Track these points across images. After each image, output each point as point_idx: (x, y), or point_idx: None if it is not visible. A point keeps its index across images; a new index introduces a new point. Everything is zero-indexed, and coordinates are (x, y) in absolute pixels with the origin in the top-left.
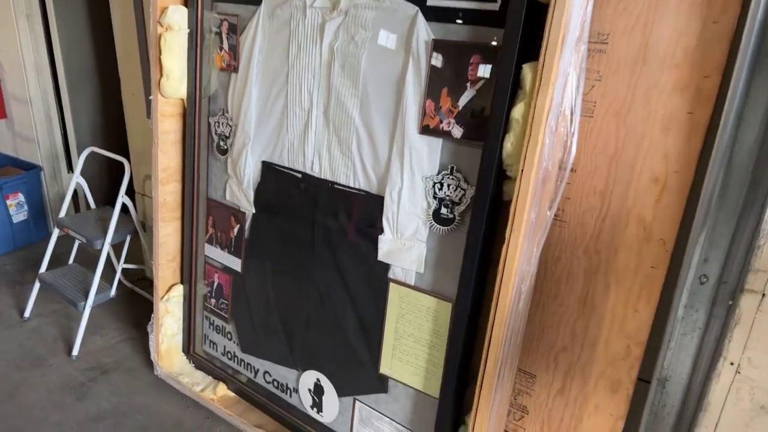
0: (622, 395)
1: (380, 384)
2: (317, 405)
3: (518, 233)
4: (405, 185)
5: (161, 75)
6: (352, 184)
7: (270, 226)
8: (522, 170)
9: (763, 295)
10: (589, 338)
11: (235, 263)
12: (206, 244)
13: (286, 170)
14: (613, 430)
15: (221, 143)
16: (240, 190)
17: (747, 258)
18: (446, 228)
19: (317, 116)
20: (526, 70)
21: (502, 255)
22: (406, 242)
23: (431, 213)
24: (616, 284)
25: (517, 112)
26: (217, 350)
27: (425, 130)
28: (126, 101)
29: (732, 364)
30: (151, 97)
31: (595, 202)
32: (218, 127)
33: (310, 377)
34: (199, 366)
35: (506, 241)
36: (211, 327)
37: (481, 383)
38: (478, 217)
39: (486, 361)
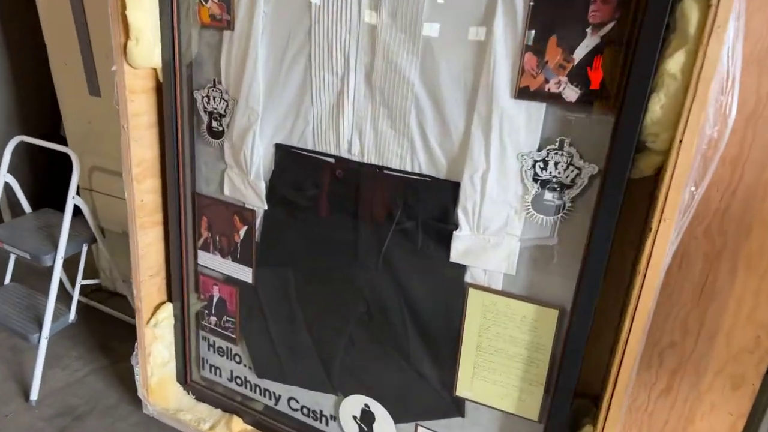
0: (745, 392)
1: (455, 408)
2: None
3: (670, 222)
4: (492, 166)
5: (128, 38)
6: (409, 168)
7: (291, 225)
8: (681, 141)
9: None
10: (706, 331)
11: (244, 273)
12: (200, 252)
13: (311, 155)
14: (732, 429)
15: (214, 124)
16: (245, 182)
17: None
18: (550, 218)
19: (356, 83)
20: (690, 6)
21: (646, 249)
22: (492, 238)
23: (530, 200)
24: (746, 269)
25: (674, 64)
26: (221, 376)
27: (523, 93)
28: (57, 74)
29: None
30: (114, 68)
31: (723, 173)
32: (208, 103)
33: (355, 403)
34: (201, 398)
35: (653, 232)
36: (212, 349)
37: (609, 404)
38: (609, 204)
39: (617, 379)
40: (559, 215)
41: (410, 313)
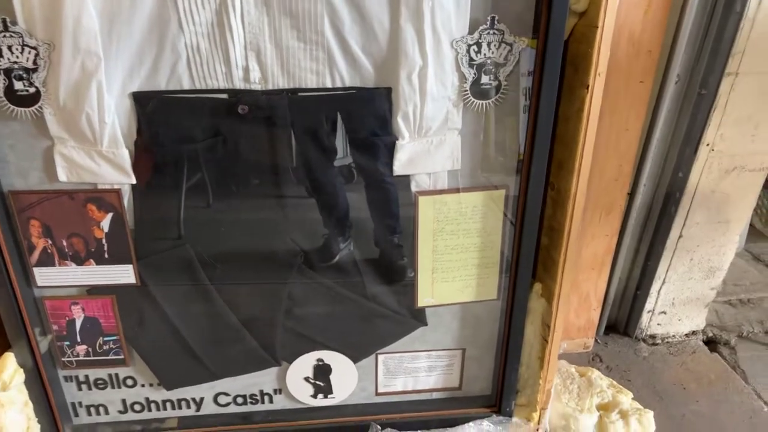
0: (615, 214)
1: (417, 321)
2: (323, 389)
3: (603, 75)
4: (430, 60)
5: None
6: (330, 84)
7: (181, 191)
8: None
9: (737, 74)
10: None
11: (122, 273)
12: (37, 270)
13: (194, 96)
14: (609, 246)
15: (18, 85)
16: (94, 156)
17: (720, 46)
18: (490, 101)
19: None
20: None
21: (585, 106)
22: (434, 138)
23: (468, 87)
24: (610, 113)
25: None
26: (108, 413)
27: None
28: None
29: (707, 145)
30: None
31: None
32: (0, 56)
33: (304, 364)
34: None
35: (590, 87)
36: (85, 386)
37: (564, 257)
38: (551, 69)
39: (569, 233)
40: (497, 96)
41: (356, 247)
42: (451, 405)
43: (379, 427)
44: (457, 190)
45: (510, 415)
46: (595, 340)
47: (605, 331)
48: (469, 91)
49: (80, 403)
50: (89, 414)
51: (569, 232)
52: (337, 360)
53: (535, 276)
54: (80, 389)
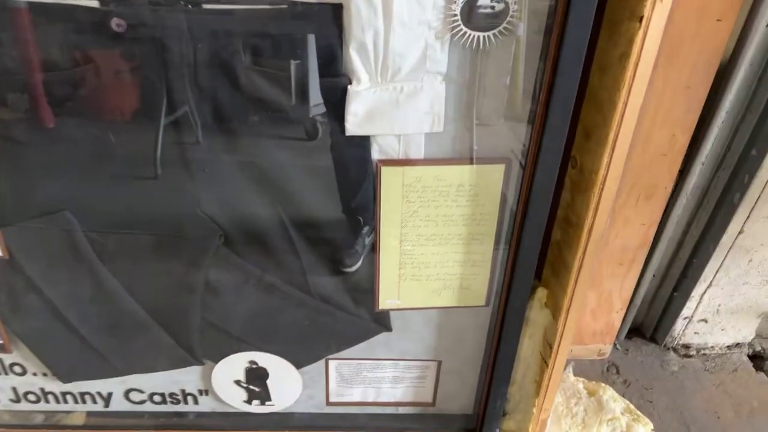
0: (658, 198)
1: (378, 324)
2: (259, 395)
3: (667, 3)
4: None
5: None
6: None
7: (49, 137)
8: None
9: None
10: None
11: None
12: None
13: (51, 2)
14: (644, 238)
15: None
16: None
17: None
18: (490, 33)
19: None
20: None
21: (633, 48)
22: (405, 85)
23: (458, 11)
24: (666, 63)
25: None
26: None
27: None
28: None
29: None
30: None
31: None
32: None
33: (232, 365)
34: None
35: (643, 22)
36: None
37: (583, 255)
38: None
39: (592, 225)
40: (501, 27)
41: (293, 227)
42: (421, 422)
43: None
44: (438, 162)
45: None
46: (614, 346)
47: (627, 334)
48: (458, 17)
49: None
50: None
51: (591, 229)
52: (274, 363)
53: (540, 279)
54: None
